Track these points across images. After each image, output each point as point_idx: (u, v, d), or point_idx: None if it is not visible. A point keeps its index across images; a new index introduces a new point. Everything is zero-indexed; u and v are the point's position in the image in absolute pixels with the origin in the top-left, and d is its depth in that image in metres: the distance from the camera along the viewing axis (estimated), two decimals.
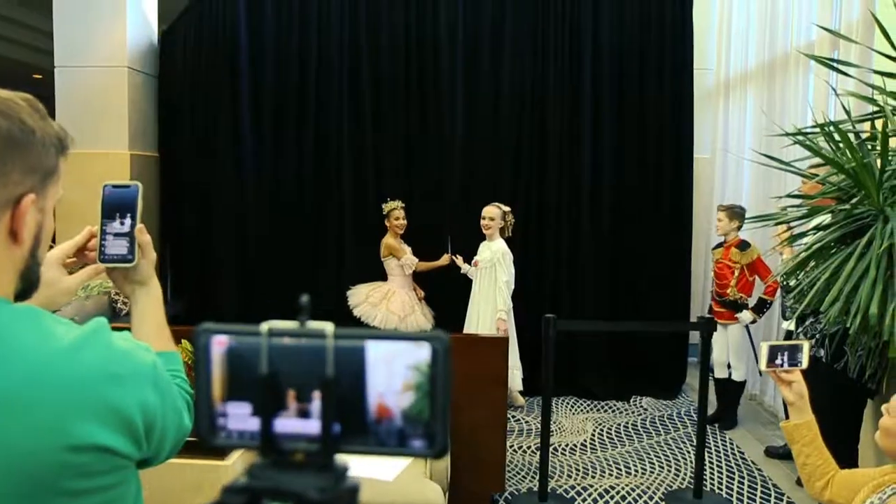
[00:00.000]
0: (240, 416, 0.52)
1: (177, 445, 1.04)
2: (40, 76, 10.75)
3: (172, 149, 6.49)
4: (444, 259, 5.67)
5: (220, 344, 0.52)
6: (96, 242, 1.17)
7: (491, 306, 5.25)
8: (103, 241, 1.16)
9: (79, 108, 6.20)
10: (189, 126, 6.34)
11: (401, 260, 5.53)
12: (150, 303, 1.21)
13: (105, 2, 6.11)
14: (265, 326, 0.51)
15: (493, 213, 5.31)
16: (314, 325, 0.51)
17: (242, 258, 6.27)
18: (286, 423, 0.52)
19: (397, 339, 0.50)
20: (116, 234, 1.16)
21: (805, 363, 1.92)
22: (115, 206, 1.17)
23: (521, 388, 5.48)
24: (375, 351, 0.50)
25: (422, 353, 0.50)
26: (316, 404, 0.51)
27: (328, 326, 0.51)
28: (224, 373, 0.52)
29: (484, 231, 5.34)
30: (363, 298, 5.56)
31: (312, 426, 0.51)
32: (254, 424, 0.52)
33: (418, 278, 5.77)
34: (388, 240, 5.59)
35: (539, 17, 6.06)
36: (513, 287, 5.32)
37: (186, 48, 6.34)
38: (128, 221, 1.16)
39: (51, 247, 1.19)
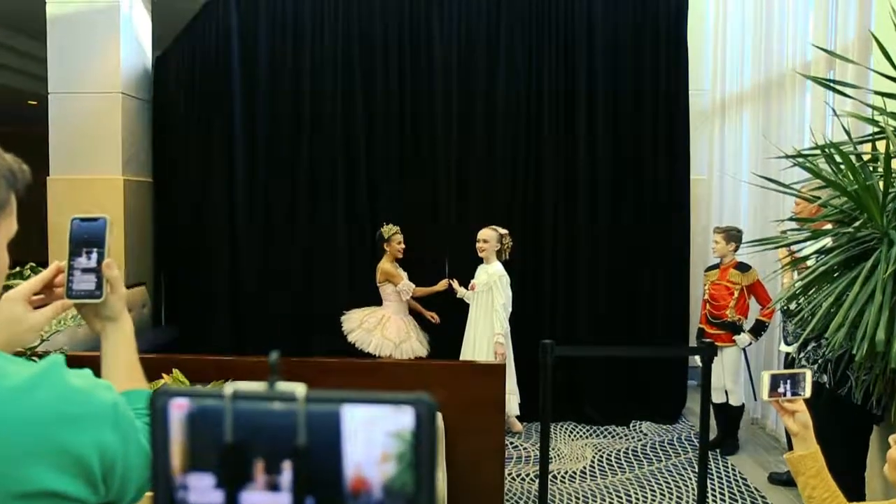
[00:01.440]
0: (202, 489, 0.47)
1: (144, 487, 0.99)
2: (35, 102, 10.75)
3: (167, 174, 6.45)
4: (442, 284, 5.59)
5: (179, 408, 0.47)
6: (64, 278, 1.12)
7: (488, 330, 5.18)
8: (71, 277, 1.12)
9: (73, 133, 6.18)
10: (183, 151, 6.31)
11: (398, 286, 5.45)
12: (121, 339, 1.17)
13: (99, 28, 6.10)
14: (229, 389, 0.46)
15: (488, 236, 5.27)
16: (284, 387, 0.46)
17: (237, 284, 6.21)
18: (253, 497, 0.46)
19: (376, 403, 0.45)
20: (84, 270, 1.12)
21: (808, 392, 1.86)
22: (82, 239, 1.13)
23: (517, 413, 5.39)
24: (352, 416, 0.45)
25: (404, 418, 0.44)
26: (286, 476, 0.45)
27: (299, 389, 0.45)
28: (184, 441, 0.46)
29: (479, 253, 5.29)
30: (357, 324, 5.46)
31: (283, 500, 0.46)
32: (217, 498, 0.46)
33: (422, 302, 5.70)
34: (385, 265, 5.51)
35: (533, 40, 6.05)
36: (510, 310, 5.26)
37: (180, 74, 6.32)
38: (95, 256, 1.12)
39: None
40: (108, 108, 6.16)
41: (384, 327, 5.36)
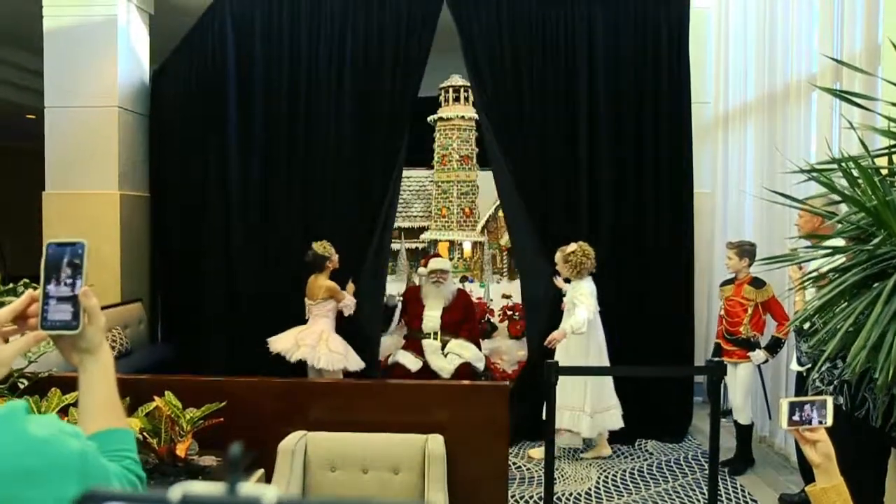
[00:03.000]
0: None
1: None
2: (34, 116, 10.69)
3: (163, 188, 6.38)
4: (350, 287, 5.55)
5: None
6: (38, 307, 1.03)
7: (572, 348, 5.08)
8: (45, 306, 1.02)
9: (69, 148, 6.13)
10: (180, 165, 6.23)
11: (342, 302, 5.35)
12: (99, 373, 1.07)
13: (96, 41, 6.05)
14: (177, 492, 0.36)
15: (556, 258, 5.27)
16: (249, 489, 0.35)
17: (234, 300, 6.12)
18: None
19: None
20: (60, 298, 1.02)
21: (829, 420, 1.74)
22: (58, 266, 1.03)
23: (616, 426, 5.27)
24: None
25: None
26: None
27: (269, 493, 0.35)
28: None
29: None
30: (293, 343, 5.25)
31: None
32: None
33: None
34: (329, 282, 5.35)
35: (535, 53, 5.97)
36: (594, 318, 5.15)
37: (177, 87, 6.26)
38: (72, 283, 1.02)
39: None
40: (105, 121, 6.10)
41: (328, 342, 5.23)
